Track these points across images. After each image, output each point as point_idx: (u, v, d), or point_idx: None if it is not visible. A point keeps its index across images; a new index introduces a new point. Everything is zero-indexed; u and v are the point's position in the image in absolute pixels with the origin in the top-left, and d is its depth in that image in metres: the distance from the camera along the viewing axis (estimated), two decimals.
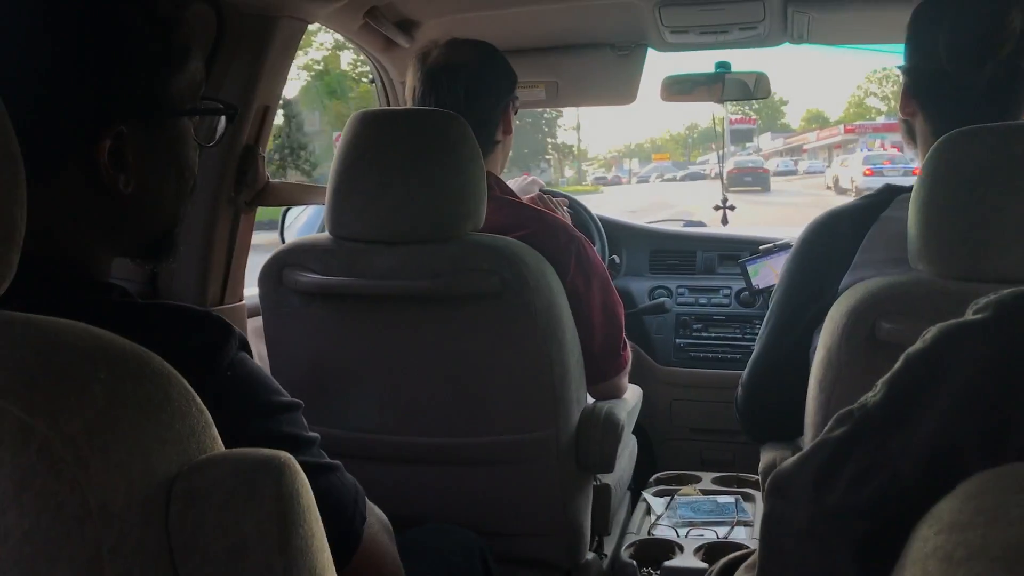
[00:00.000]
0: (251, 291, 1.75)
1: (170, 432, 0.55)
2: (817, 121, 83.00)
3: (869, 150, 30.83)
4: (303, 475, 0.59)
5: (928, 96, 1.33)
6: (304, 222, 2.65)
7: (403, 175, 1.46)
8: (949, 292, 1.14)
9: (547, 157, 56.94)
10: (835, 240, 1.35)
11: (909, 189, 1.26)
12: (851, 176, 26.27)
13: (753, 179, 34.34)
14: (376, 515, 1.05)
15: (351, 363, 1.57)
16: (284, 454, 0.58)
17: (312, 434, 0.93)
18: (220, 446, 0.60)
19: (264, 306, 1.61)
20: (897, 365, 0.56)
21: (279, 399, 0.88)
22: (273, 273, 1.56)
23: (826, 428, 0.59)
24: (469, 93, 1.66)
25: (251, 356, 0.88)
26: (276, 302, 1.59)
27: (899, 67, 1.39)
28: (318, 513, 0.61)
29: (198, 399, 0.59)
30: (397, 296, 1.50)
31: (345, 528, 0.93)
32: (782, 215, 18.62)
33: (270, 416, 0.87)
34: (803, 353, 1.38)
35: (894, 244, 1.25)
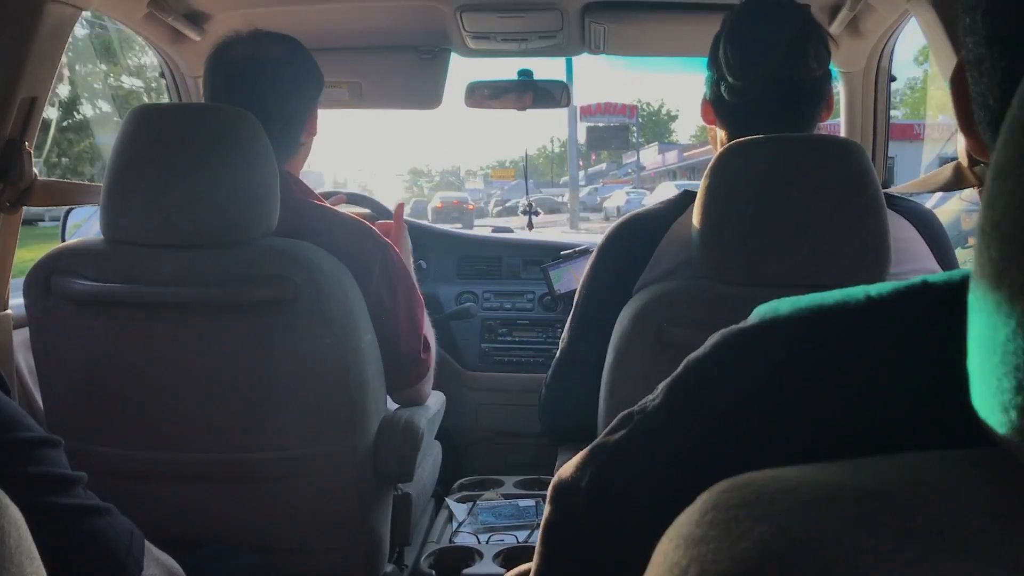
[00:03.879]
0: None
1: None
2: None
3: None
4: (13, 512, 0.52)
5: (717, 105, 1.39)
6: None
7: (187, 174, 1.37)
8: (731, 297, 1.18)
9: None
10: (633, 244, 1.38)
11: None
12: None
13: (458, 215, 28.83)
14: (160, 561, 0.97)
15: (130, 377, 1.46)
16: None
17: (76, 473, 0.84)
18: None
19: (31, 316, 1.47)
20: (678, 370, 0.56)
21: (26, 436, 0.79)
22: (41, 279, 1.43)
23: (605, 431, 0.58)
24: (276, 91, 1.57)
25: (2, 383, 0.79)
26: (45, 311, 1.45)
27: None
28: (38, 561, 0.54)
29: None
30: (181, 304, 1.41)
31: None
32: None
33: (15, 456, 0.78)
34: (603, 355, 1.40)
35: (684, 249, 1.30)
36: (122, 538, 0.88)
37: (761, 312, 0.54)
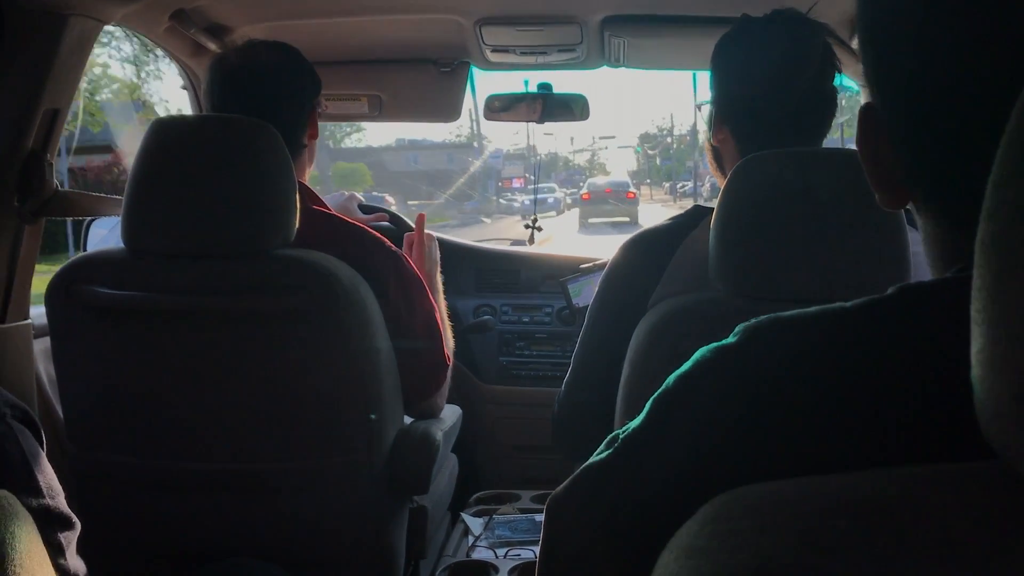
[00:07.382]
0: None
1: None
2: None
3: None
4: (24, 516, 0.52)
5: (739, 121, 1.37)
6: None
7: (207, 186, 1.38)
8: (746, 311, 1.17)
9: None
10: (645, 259, 1.38)
11: None
12: None
13: (615, 204, 25.30)
14: None
15: (148, 386, 1.46)
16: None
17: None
18: None
19: (52, 325, 1.49)
20: (662, 387, 0.56)
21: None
22: (61, 288, 1.45)
23: (596, 451, 0.58)
24: (276, 96, 1.59)
25: (32, 424, 0.76)
26: (65, 320, 1.47)
27: (701, 103, 1.44)
28: (49, 567, 0.54)
29: None
30: (199, 313, 1.41)
31: None
32: None
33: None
34: (616, 370, 1.39)
35: (698, 264, 1.29)
36: None
37: (743, 328, 0.54)
